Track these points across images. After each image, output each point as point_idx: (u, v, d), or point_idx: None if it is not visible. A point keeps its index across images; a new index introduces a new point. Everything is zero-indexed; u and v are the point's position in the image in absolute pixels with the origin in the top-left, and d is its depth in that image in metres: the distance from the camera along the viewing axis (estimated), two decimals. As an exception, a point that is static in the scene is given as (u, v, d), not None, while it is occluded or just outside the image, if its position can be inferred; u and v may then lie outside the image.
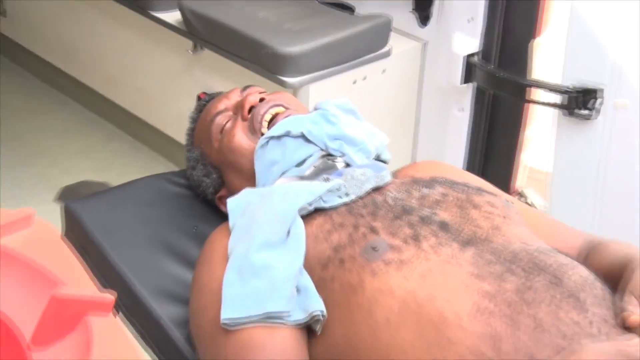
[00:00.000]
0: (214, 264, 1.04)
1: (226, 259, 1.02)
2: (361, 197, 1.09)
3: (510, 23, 1.97)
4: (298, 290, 0.97)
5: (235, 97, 1.28)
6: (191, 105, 2.34)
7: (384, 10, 2.12)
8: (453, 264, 0.95)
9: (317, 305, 0.95)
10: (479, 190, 1.10)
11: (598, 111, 1.79)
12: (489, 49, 1.99)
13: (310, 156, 1.17)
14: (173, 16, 2.24)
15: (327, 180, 1.11)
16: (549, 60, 2.00)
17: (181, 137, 2.49)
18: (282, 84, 1.96)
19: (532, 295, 0.89)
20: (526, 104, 2.01)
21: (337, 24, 2.06)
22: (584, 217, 1.86)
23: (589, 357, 0.78)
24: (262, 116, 1.21)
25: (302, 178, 1.16)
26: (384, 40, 2.11)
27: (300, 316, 0.95)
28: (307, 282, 0.98)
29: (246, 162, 1.20)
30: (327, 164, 1.16)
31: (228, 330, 0.95)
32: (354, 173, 1.11)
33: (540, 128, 2.13)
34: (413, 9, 2.14)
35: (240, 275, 0.97)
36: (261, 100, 1.24)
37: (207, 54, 2.21)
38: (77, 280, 0.78)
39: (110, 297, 0.72)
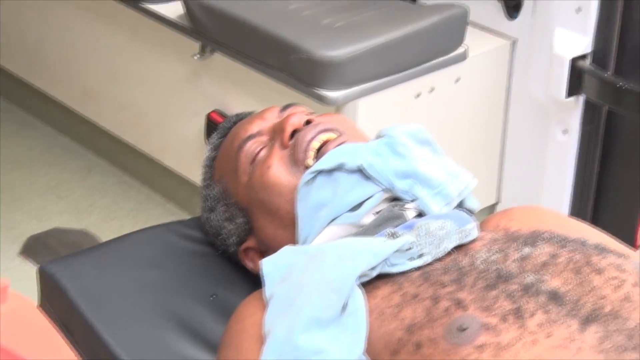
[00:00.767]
0: (245, 348, 1.06)
1: (260, 340, 1.03)
2: (440, 259, 1.10)
3: (634, 13, 1.97)
4: (360, 385, 0.98)
5: (272, 118, 1.29)
6: (197, 127, 2.40)
7: (458, -2, 2.15)
8: (571, 349, 0.95)
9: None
10: (601, 249, 1.10)
11: None
12: (605, 49, 2.01)
13: (370, 198, 1.18)
14: (173, 10, 2.29)
15: (393, 235, 1.11)
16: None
17: (184, 170, 2.56)
18: (321, 99, 1.98)
19: None
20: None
21: (394, 18, 2.08)
22: None
23: None
24: (309, 143, 1.22)
25: (358, 227, 1.17)
26: (458, 39, 2.13)
27: (362, 422, 0.96)
28: (373, 374, 0.99)
29: (284, 203, 1.21)
30: (393, 212, 1.17)
31: None
32: (430, 226, 1.12)
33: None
34: (499, -4, 2.16)
35: (283, 364, 0.98)
36: (307, 123, 1.25)
37: (219, 59, 2.24)
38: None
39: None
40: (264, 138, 1.27)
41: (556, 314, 0.99)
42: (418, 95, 2.12)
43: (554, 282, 1.04)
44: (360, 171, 1.18)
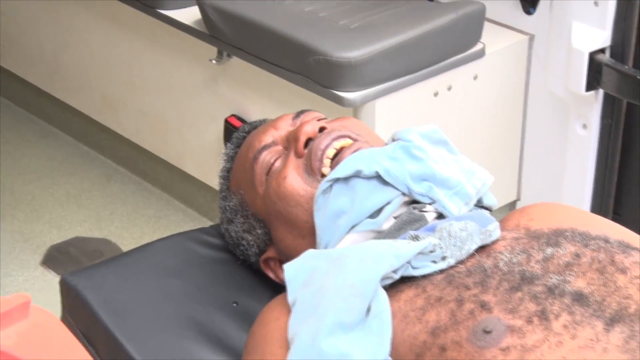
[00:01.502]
0: (270, 353, 1.06)
1: (286, 345, 1.03)
2: (463, 262, 1.09)
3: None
4: (385, 390, 0.98)
5: (286, 127, 1.29)
6: (216, 132, 2.41)
7: (475, -5, 2.14)
8: (597, 350, 0.94)
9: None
10: (625, 247, 1.09)
11: None
12: (624, 43, 2.00)
13: (389, 203, 1.18)
14: (190, 15, 2.30)
15: (415, 238, 1.11)
16: None
17: (203, 175, 2.57)
18: (339, 100, 1.98)
19: None
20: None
21: (410, 17, 2.08)
22: None
23: None
24: (324, 152, 1.22)
25: (378, 233, 1.17)
26: (475, 36, 2.13)
27: None
28: (397, 378, 0.99)
29: (302, 213, 1.21)
30: (413, 214, 1.17)
31: None
32: (452, 228, 1.11)
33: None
34: (515, -9, 2.16)
35: (307, 369, 0.98)
36: (321, 130, 1.25)
37: (237, 63, 2.25)
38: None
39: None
40: (279, 148, 1.27)
41: (581, 315, 0.99)
42: (436, 94, 2.12)
43: (578, 283, 1.03)
44: (377, 177, 1.18)
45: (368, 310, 1.03)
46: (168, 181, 2.75)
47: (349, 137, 1.24)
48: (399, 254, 1.07)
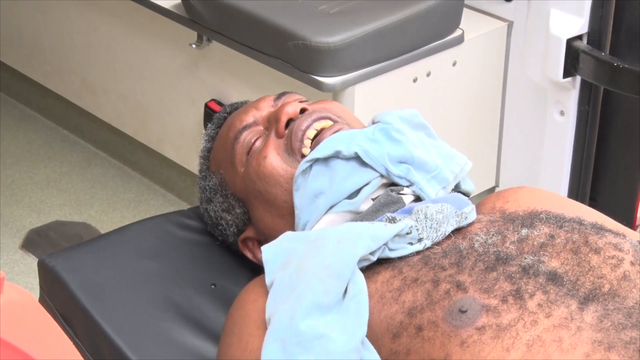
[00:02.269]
0: (247, 334, 1.06)
1: (263, 326, 1.04)
2: (439, 243, 1.10)
3: (630, -8, 1.98)
4: (361, 369, 0.98)
5: (267, 107, 1.30)
6: (196, 117, 2.40)
7: (453, -18, 2.14)
8: (570, 329, 0.95)
9: (387, 391, 0.97)
10: (598, 228, 1.11)
11: None
12: (600, 29, 2.00)
13: (367, 184, 1.19)
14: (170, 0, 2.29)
15: (392, 220, 1.12)
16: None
17: (183, 160, 2.56)
18: (318, 85, 1.98)
19: None
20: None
21: (390, 3, 2.08)
22: None
23: None
24: (304, 132, 1.23)
25: (356, 214, 1.18)
26: (454, 22, 2.13)
27: (364, 406, 0.97)
28: (373, 357, 0.99)
29: (281, 192, 1.22)
30: (391, 197, 1.17)
31: None
32: (428, 210, 1.12)
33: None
34: (493, -22, 2.17)
35: (284, 349, 0.98)
36: (302, 111, 1.25)
37: (216, 48, 2.24)
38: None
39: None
40: (260, 128, 1.27)
41: (555, 294, 1.00)
42: (415, 80, 2.12)
43: (552, 263, 1.05)
44: (357, 158, 1.19)
45: (345, 291, 1.03)
46: (148, 165, 2.74)
47: (330, 118, 1.25)
48: (376, 236, 1.07)
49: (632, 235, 1.15)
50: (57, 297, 1.30)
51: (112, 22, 2.56)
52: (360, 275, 1.05)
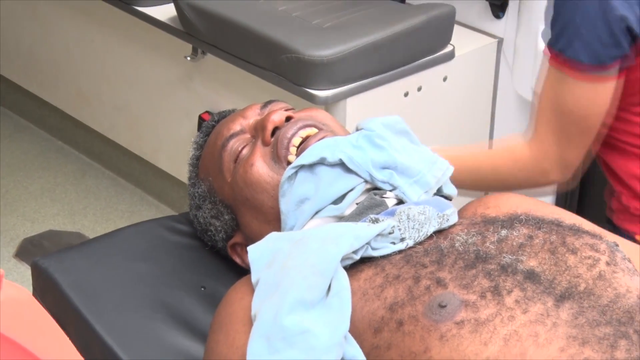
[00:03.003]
0: (234, 330, 1.08)
1: (249, 323, 1.06)
2: (421, 243, 1.13)
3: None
4: (344, 363, 1.01)
5: (254, 116, 1.32)
6: (190, 128, 2.43)
7: (445, -2, 2.18)
8: (546, 325, 0.98)
9: (368, 384, 1.00)
10: (576, 230, 1.14)
11: None
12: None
13: (352, 190, 1.21)
14: (166, 12, 2.32)
15: (375, 221, 1.15)
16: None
17: (176, 171, 2.59)
18: (310, 98, 2.02)
19: None
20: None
21: (382, 18, 2.11)
22: None
23: None
24: (290, 140, 1.25)
25: (341, 218, 1.20)
26: (445, 38, 2.16)
27: (347, 399, 0.99)
28: (355, 351, 1.02)
29: (268, 199, 1.24)
30: (374, 200, 1.20)
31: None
32: (410, 212, 1.15)
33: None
34: (484, -5, 2.20)
35: (269, 344, 1.00)
36: (288, 119, 1.28)
37: (211, 60, 2.28)
38: (62, 354, 0.83)
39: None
40: (247, 136, 1.30)
41: (532, 291, 1.03)
42: (406, 94, 2.15)
43: (530, 262, 1.08)
44: (341, 165, 1.21)
45: (329, 289, 1.06)
46: (141, 177, 2.77)
47: (315, 126, 1.27)
48: (358, 235, 1.10)
49: (609, 236, 1.19)
50: (49, 298, 1.32)
51: (108, 34, 2.59)
52: (344, 272, 1.07)
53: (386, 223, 1.13)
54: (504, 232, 1.12)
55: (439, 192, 1.27)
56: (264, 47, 2.06)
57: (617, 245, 1.15)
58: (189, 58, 2.31)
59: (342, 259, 1.08)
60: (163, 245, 1.39)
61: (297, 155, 1.24)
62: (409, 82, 2.14)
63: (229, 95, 2.30)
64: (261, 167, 1.25)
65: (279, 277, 1.07)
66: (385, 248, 1.12)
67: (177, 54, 2.34)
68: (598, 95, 1.51)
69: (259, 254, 1.13)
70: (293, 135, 1.25)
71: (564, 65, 1.49)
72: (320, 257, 1.07)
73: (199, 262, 1.37)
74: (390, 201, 1.21)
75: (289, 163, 1.24)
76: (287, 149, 1.25)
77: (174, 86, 2.45)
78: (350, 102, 2.06)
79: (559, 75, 1.51)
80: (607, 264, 1.08)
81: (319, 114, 1.31)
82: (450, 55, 2.17)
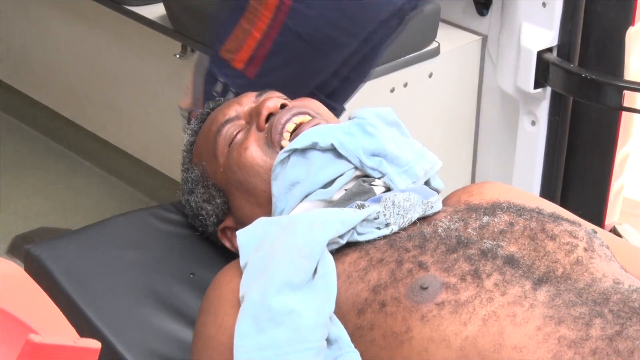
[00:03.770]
0: (222, 312, 1.10)
1: (237, 305, 1.08)
2: (405, 229, 1.15)
3: (597, 7, 2.02)
4: (328, 342, 1.03)
5: (249, 103, 1.35)
6: (180, 126, 2.42)
7: (430, -4, 2.20)
8: (524, 306, 1.01)
9: (352, 361, 1.02)
10: (555, 217, 1.17)
11: None
12: (570, 42, 2.05)
13: (341, 175, 1.24)
14: (155, 11, 2.33)
15: (361, 207, 1.17)
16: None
17: (167, 168, 2.60)
18: (299, 94, 2.03)
19: (627, 345, 0.95)
20: (620, 114, 2.06)
21: (368, 16, 2.14)
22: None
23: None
24: (284, 126, 1.27)
25: (329, 203, 1.23)
26: (431, 35, 2.18)
27: (331, 376, 1.01)
28: (340, 331, 1.04)
29: (260, 182, 1.26)
30: (362, 187, 1.22)
31: (241, 391, 1.01)
32: (396, 198, 1.17)
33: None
34: (468, -7, 2.22)
35: (257, 324, 1.03)
36: (282, 106, 1.31)
37: (200, 58, 2.29)
38: (57, 327, 0.85)
39: (95, 343, 0.79)
40: (241, 122, 1.32)
41: (511, 275, 1.05)
42: (392, 90, 2.17)
43: (510, 248, 1.10)
44: (333, 150, 1.23)
45: (315, 271, 1.08)
46: (132, 175, 2.78)
47: (308, 114, 1.30)
48: (345, 220, 1.13)
49: (587, 224, 1.21)
50: (41, 284, 1.30)
51: (99, 33, 2.60)
52: (330, 256, 1.09)
53: (372, 209, 1.15)
54: (485, 219, 1.14)
55: (427, 185, 1.29)
56: (252, 45, 2.07)
57: (595, 232, 1.18)
58: (178, 56, 2.32)
59: (329, 243, 1.11)
60: (153, 234, 1.41)
61: (290, 141, 1.26)
62: (395, 78, 2.15)
63: (218, 93, 2.31)
64: (255, 150, 1.27)
65: (267, 260, 1.09)
66: (370, 233, 1.14)
67: (167, 52, 2.35)
68: None
69: (248, 238, 1.15)
70: (287, 121, 1.28)
71: None
72: (307, 241, 1.09)
73: (189, 249, 1.39)
74: (378, 189, 1.23)
75: (282, 148, 1.26)
76: (281, 134, 1.27)
77: (163, 84, 2.46)
78: (338, 98, 2.08)
79: None
80: (585, 250, 1.10)
81: (312, 103, 1.33)
82: (436, 52, 2.19)
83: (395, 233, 1.15)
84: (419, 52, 2.17)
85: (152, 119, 2.56)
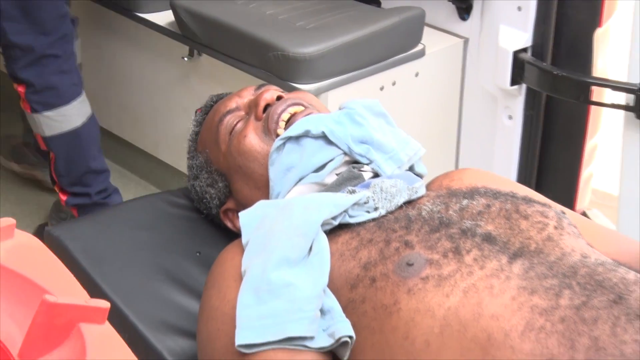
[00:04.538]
0: (226, 286, 1.11)
1: (239, 279, 1.09)
2: (392, 212, 1.16)
3: (567, 10, 2.03)
4: (322, 312, 1.04)
5: (248, 96, 1.36)
6: (188, 123, 2.43)
7: (416, 2, 2.20)
8: (500, 278, 1.01)
9: (344, 330, 1.02)
10: (528, 200, 1.17)
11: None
12: (543, 42, 2.06)
13: (332, 160, 1.25)
14: (164, 17, 2.34)
15: (352, 192, 1.18)
16: (616, 53, 2.06)
17: (176, 162, 2.60)
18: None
19: (592, 314, 0.95)
20: (589, 108, 2.07)
21: (359, 20, 2.14)
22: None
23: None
24: (279, 115, 1.29)
25: (322, 186, 1.24)
26: (416, 38, 2.19)
27: (325, 342, 1.02)
28: (333, 303, 1.05)
29: (258, 167, 1.27)
30: (353, 173, 1.23)
31: (244, 356, 1.01)
32: (383, 184, 1.18)
33: (608, 137, 2.19)
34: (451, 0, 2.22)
35: (257, 296, 1.03)
36: (278, 98, 1.32)
37: (206, 60, 2.29)
38: (69, 290, 0.85)
39: (105, 303, 0.80)
40: (241, 112, 1.33)
41: (489, 251, 1.05)
42: (382, 88, 2.17)
43: (488, 227, 1.10)
44: (324, 138, 1.25)
45: (310, 249, 1.09)
46: (145, 169, 2.78)
47: (302, 105, 1.31)
48: (337, 204, 1.13)
49: (556, 206, 1.22)
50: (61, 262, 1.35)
51: (113, 39, 2.61)
52: (324, 235, 1.10)
53: (362, 194, 1.16)
54: (465, 202, 1.15)
55: (411, 170, 1.30)
56: (253, 47, 2.08)
57: (564, 213, 1.18)
58: (186, 59, 2.32)
59: (323, 224, 1.11)
60: (163, 217, 1.42)
61: (286, 129, 1.27)
62: (384, 77, 2.16)
63: (223, 91, 2.30)
64: (253, 138, 1.28)
65: (267, 238, 1.10)
66: (360, 216, 1.14)
67: (175, 55, 2.36)
68: None
69: (249, 219, 1.16)
70: (282, 111, 1.29)
71: None
72: (303, 221, 1.10)
73: (195, 230, 1.41)
74: (367, 174, 1.24)
75: (278, 136, 1.27)
76: (277, 123, 1.28)
77: (173, 85, 2.47)
78: (332, 95, 2.08)
79: None
80: (555, 227, 1.11)
81: (306, 96, 1.35)
82: (421, 53, 2.20)
83: (383, 216, 1.15)
84: (406, 54, 2.17)
85: (163, 117, 2.56)
